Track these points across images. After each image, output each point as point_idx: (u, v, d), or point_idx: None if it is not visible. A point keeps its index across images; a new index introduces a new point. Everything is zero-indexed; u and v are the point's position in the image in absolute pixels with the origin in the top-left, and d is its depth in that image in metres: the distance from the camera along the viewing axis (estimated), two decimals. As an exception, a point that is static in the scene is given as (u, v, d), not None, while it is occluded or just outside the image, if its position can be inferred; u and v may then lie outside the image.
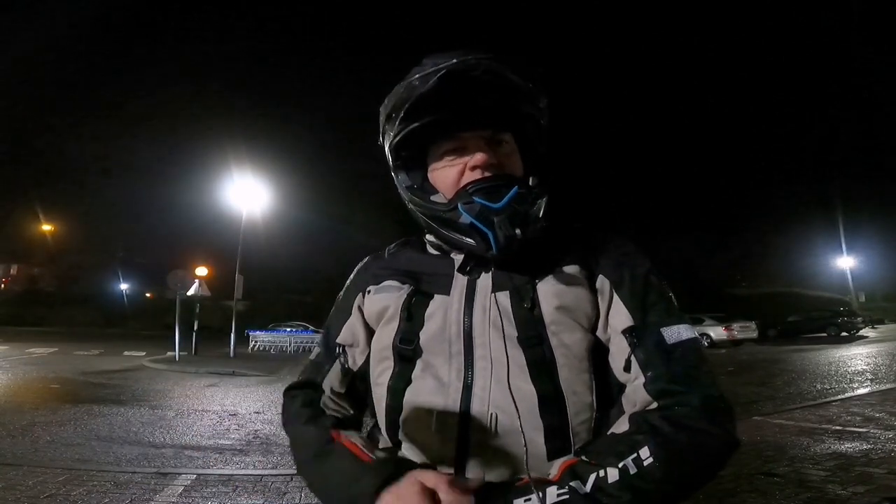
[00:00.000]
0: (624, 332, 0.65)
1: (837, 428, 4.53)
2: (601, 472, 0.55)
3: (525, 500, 0.56)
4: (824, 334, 19.68)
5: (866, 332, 20.84)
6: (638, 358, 0.64)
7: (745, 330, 18.14)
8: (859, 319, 20.69)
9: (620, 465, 0.55)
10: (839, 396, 6.36)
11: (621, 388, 0.66)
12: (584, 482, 0.55)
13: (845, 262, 31.72)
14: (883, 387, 6.98)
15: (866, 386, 7.20)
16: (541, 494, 0.55)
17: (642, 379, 0.62)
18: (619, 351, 0.66)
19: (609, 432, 0.63)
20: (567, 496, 0.55)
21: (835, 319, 20.12)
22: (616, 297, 0.68)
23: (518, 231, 0.64)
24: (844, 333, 19.25)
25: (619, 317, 0.66)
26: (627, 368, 0.64)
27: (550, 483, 0.57)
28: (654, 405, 0.61)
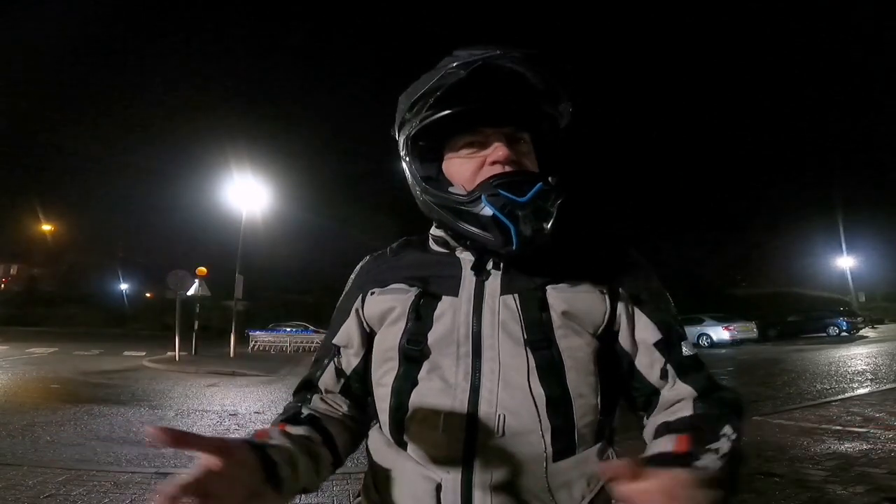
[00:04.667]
0: (655, 344, 0.70)
1: (837, 428, 4.53)
2: (714, 446, 0.57)
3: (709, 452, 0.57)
4: (824, 334, 19.68)
5: (866, 332, 20.83)
6: (674, 366, 0.69)
7: (745, 330, 18.13)
8: (859, 319, 20.67)
9: (721, 438, 0.58)
10: (839, 396, 6.35)
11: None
12: (708, 457, 0.56)
13: (845, 262, 31.70)
14: (883, 387, 6.98)
15: (866, 386, 7.20)
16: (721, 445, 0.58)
17: (680, 382, 0.69)
18: (651, 362, 0.70)
19: (673, 418, 0.65)
20: (728, 450, 0.56)
21: (835, 319, 20.11)
22: (638, 311, 0.71)
23: (546, 225, 0.66)
24: (844, 333, 19.24)
25: (647, 331, 0.71)
26: (664, 377, 0.69)
27: (691, 454, 0.57)
28: (700, 395, 0.67)
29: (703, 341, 17.70)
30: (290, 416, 0.72)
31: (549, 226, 0.67)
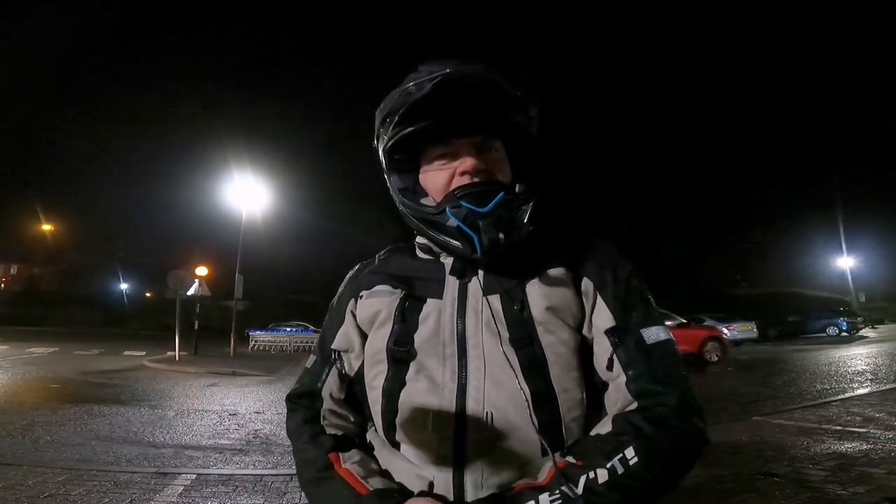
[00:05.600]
0: (607, 332, 0.68)
1: (837, 428, 4.53)
2: (591, 474, 0.57)
3: None
4: (824, 334, 19.66)
5: (866, 332, 20.83)
6: (620, 357, 0.67)
7: (745, 330, 18.11)
8: (859, 319, 20.67)
9: (609, 465, 0.58)
10: (839, 396, 6.35)
11: (605, 385, 0.69)
12: (576, 484, 0.57)
13: (845, 262, 31.72)
14: (883, 387, 6.98)
15: (866, 386, 7.20)
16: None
17: (624, 378, 0.66)
18: (602, 350, 0.69)
19: (593, 433, 0.65)
20: (560, 500, 0.56)
21: (835, 319, 20.11)
22: (599, 299, 0.70)
23: (501, 235, 0.67)
24: (844, 333, 19.23)
25: (602, 317, 0.69)
26: (610, 367, 0.67)
27: (542, 489, 0.58)
28: (635, 405, 0.63)
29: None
30: (335, 444, 0.72)
31: (515, 232, 0.69)
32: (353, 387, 0.80)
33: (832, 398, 6.22)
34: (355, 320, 0.80)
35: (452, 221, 0.68)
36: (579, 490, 0.56)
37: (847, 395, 6.49)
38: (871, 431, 4.34)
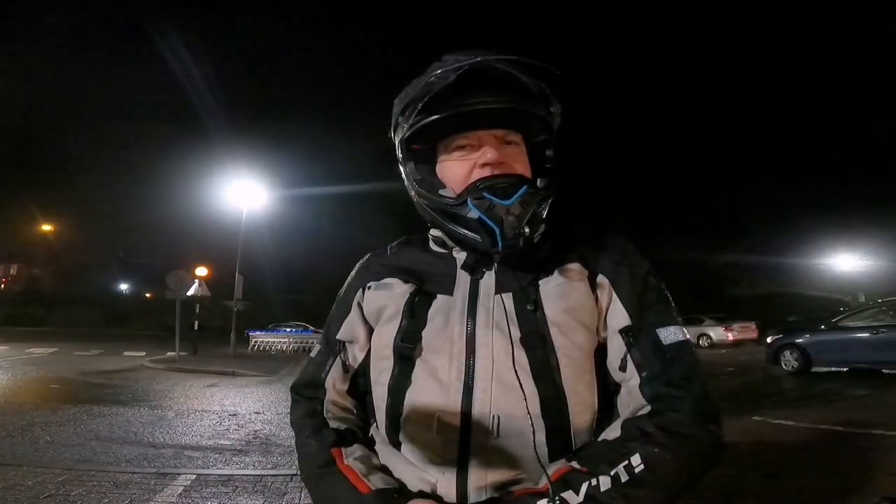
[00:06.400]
0: (621, 331, 0.66)
1: (838, 428, 4.54)
2: (593, 481, 0.56)
3: None
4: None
5: (866, 332, 20.81)
6: (633, 358, 0.65)
7: (745, 330, 18.11)
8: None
9: (612, 472, 0.56)
10: (839, 396, 6.36)
11: (618, 388, 0.67)
12: (577, 491, 0.56)
13: (845, 262, 31.71)
14: (883, 386, 6.98)
15: (866, 386, 7.20)
16: None
17: (637, 380, 0.63)
18: (615, 350, 0.67)
19: (601, 438, 0.63)
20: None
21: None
22: (615, 296, 0.69)
23: (527, 229, 0.65)
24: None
25: (617, 316, 0.67)
26: (623, 368, 0.65)
27: (541, 495, 0.57)
28: (647, 409, 0.61)
29: (703, 341, 17.70)
30: (338, 439, 0.71)
31: (536, 227, 0.67)
32: (357, 379, 0.79)
33: (832, 398, 6.22)
34: (361, 312, 0.78)
35: (474, 213, 0.66)
36: (580, 497, 0.55)
37: (847, 394, 6.50)
38: (871, 431, 4.34)
